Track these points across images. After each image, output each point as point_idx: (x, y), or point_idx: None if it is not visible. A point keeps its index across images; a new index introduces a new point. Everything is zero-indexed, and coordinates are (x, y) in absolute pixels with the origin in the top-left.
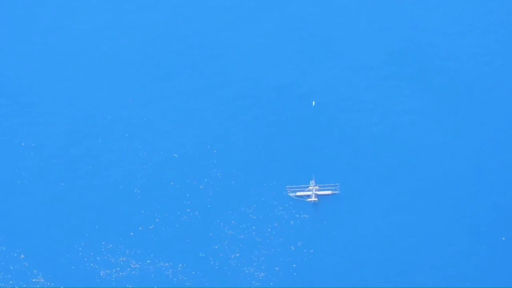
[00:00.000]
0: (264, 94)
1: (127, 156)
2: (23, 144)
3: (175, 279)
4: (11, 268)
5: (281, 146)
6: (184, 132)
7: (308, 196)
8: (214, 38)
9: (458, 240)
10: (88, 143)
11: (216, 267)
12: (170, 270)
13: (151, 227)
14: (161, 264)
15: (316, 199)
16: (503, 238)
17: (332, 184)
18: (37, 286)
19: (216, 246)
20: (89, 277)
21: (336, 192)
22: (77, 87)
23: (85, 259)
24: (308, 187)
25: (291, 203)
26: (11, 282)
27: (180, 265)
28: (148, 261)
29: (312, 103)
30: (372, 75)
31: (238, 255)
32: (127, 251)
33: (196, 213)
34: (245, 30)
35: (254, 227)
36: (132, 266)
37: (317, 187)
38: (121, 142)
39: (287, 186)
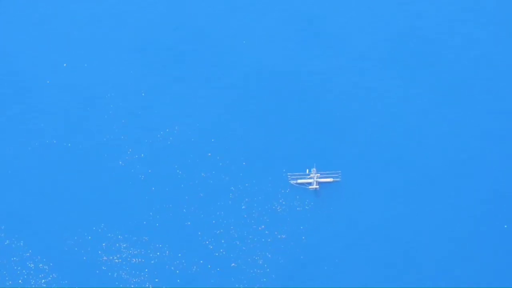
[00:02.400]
0: (264, 82)
1: (128, 143)
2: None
3: (174, 265)
4: (14, 258)
5: (282, 133)
6: (184, 120)
7: (310, 183)
8: (213, 26)
9: (460, 227)
10: (89, 133)
11: (217, 254)
12: (171, 256)
13: (150, 213)
14: (163, 251)
15: (317, 186)
16: (505, 226)
17: (333, 172)
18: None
19: (219, 231)
20: (92, 264)
21: (338, 179)
22: (78, 77)
23: (88, 247)
24: (309, 174)
25: (292, 190)
26: (15, 267)
27: (182, 251)
28: (150, 248)
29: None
30: (374, 63)
31: (238, 242)
32: (133, 238)
33: (197, 200)
34: (245, 18)
35: (255, 214)
36: (133, 253)
37: (319, 174)
38: (122, 130)
39: (288, 174)
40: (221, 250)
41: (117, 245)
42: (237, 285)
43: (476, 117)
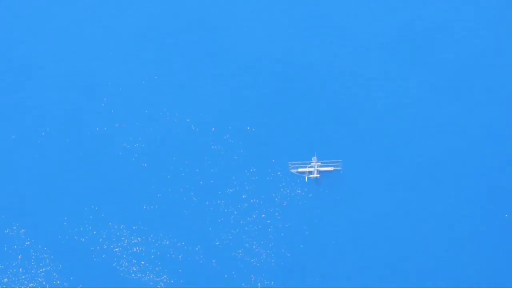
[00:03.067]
0: (265, 69)
1: (128, 132)
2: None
3: (175, 254)
4: (15, 246)
5: (283, 121)
6: (185, 107)
7: (310, 172)
8: (214, 14)
9: (461, 215)
10: (90, 122)
11: (218, 243)
12: (171, 245)
13: (150, 202)
14: (163, 240)
15: (318, 175)
16: (506, 215)
17: (334, 161)
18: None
19: (219, 220)
20: (92, 253)
21: (338, 168)
22: (78, 65)
23: (88, 236)
24: (310, 163)
25: (292, 179)
26: (20, 256)
27: (182, 241)
28: (151, 237)
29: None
30: (376, 50)
31: (237, 230)
32: (133, 227)
33: (198, 189)
34: (245, 7)
35: (255, 204)
36: (133, 242)
37: (319, 163)
38: (122, 119)
39: (289, 163)
40: (222, 240)
41: (118, 234)
42: (237, 274)
43: (478, 107)
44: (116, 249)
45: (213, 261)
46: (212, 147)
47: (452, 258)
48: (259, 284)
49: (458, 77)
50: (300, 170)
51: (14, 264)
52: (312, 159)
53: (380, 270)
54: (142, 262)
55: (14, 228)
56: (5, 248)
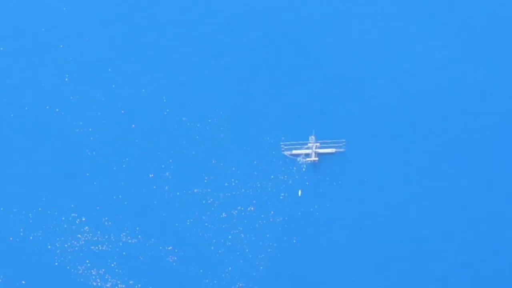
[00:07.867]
0: (254, 28)
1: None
2: None
3: (142, 254)
4: None
5: (275, 94)
6: (154, 79)
7: (307, 155)
8: None
9: (471, 201)
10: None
11: (197, 240)
12: (139, 244)
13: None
14: (131, 237)
15: (316, 158)
16: None
17: (335, 141)
18: None
19: (197, 213)
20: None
21: (341, 150)
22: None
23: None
24: (307, 144)
25: (285, 163)
26: None
27: (154, 236)
28: (113, 235)
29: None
30: (387, 8)
31: (218, 226)
32: (91, 221)
33: (172, 175)
34: None
35: (242, 193)
36: (93, 240)
37: (318, 143)
38: (76, 90)
39: (282, 143)
40: (199, 238)
41: (73, 228)
42: (218, 280)
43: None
44: (70, 249)
45: (192, 261)
46: (188, 125)
47: (462, 245)
48: None
49: (489, 40)
50: (294, 152)
51: None
52: (310, 138)
53: (386, 269)
54: (103, 269)
55: None
56: None
